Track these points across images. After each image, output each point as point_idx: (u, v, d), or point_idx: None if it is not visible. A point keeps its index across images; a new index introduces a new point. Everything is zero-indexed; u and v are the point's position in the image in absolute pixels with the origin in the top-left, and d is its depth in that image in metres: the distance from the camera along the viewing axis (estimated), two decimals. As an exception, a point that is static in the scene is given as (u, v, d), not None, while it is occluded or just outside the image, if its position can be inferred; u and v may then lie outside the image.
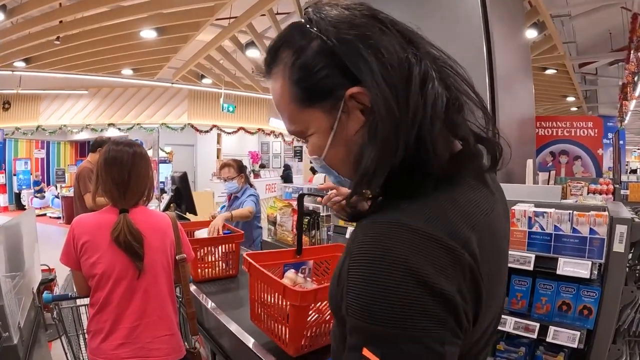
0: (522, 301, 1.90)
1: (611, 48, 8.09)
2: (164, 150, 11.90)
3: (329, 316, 1.47)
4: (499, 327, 1.38)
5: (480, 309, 0.63)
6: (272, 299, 1.48)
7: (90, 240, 1.67)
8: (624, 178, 5.66)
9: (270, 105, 15.10)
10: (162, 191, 6.20)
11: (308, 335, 1.45)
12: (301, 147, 18.19)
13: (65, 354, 2.11)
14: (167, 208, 4.51)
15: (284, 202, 3.26)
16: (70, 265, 1.73)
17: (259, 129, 14.96)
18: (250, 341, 1.63)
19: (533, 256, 1.81)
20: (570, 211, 1.75)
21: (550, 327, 1.80)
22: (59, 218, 11.92)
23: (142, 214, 1.79)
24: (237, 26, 7.01)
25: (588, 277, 1.70)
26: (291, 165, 16.71)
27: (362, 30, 0.65)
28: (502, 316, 1.45)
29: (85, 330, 1.96)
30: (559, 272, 1.75)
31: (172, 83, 11.25)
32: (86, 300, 1.83)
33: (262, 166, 15.82)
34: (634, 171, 11.46)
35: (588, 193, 3.89)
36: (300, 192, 3.72)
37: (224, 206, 3.98)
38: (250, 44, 7.98)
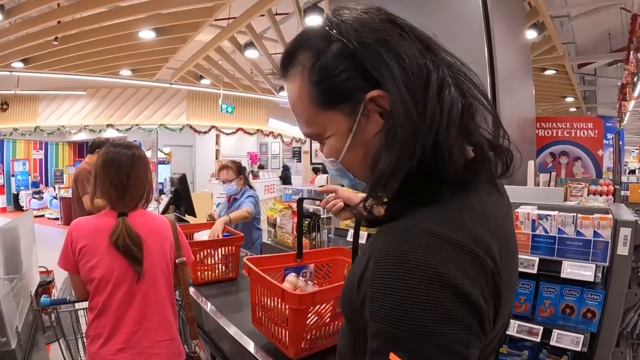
0: (525, 304, 1.88)
1: (610, 49, 8.09)
2: (162, 151, 11.88)
3: (329, 319, 1.47)
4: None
5: (499, 313, 0.64)
6: (272, 302, 1.48)
7: (88, 244, 1.65)
8: (623, 179, 5.66)
9: (269, 106, 15.10)
10: (161, 192, 6.17)
11: (308, 338, 1.45)
12: (299, 148, 18.19)
13: (64, 357, 2.09)
14: (166, 210, 4.49)
15: (283, 204, 3.24)
16: (68, 270, 1.71)
17: (257, 130, 14.95)
18: (250, 344, 1.62)
19: (537, 259, 1.80)
20: (574, 214, 1.74)
21: (553, 330, 1.79)
22: (57, 219, 11.91)
23: (141, 217, 1.77)
24: (236, 27, 6.99)
25: (592, 280, 1.69)
26: (290, 166, 16.70)
27: (382, 35, 0.66)
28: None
29: (83, 334, 1.94)
30: (563, 275, 1.73)
31: (171, 84, 11.22)
32: (85, 304, 1.81)
33: (261, 167, 15.80)
34: (632, 171, 11.47)
35: (588, 194, 3.88)
36: (300, 194, 3.71)
37: (219, 204, 3.96)
38: (249, 44, 7.96)
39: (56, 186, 13.84)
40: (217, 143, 15.04)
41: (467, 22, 2.95)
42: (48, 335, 2.26)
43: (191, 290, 2.17)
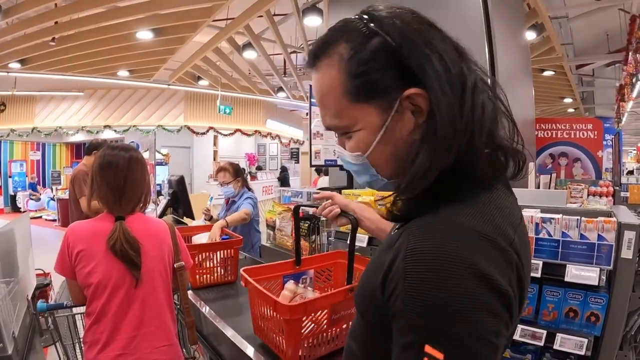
0: (528, 308, 1.86)
1: (608, 49, 8.11)
2: (160, 153, 11.86)
3: (326, 325, 1.46)
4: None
5: (520, 306, 0.67)
6: (269, 312, 1.49)
7: (85, 249, 1.62)
8: (622, 180, 5.66)
9: (267, 107, 15.09)
10: (159, 194, 6.15)
11: (306, 345, 1.45)
12: (298, 149, 18.18)
13: (61, 361, 2.06)
14: (164, 212, 4.47)
15: (283, 206, 3.21)
16: (65, 275, 1.68)
17: (255, 131, 14.94)
18: (249, 349, 1.60)
19: (541, 263, 1.78)
20: (578, 217, 1.72)
21: (557, 334, 1.77)
22: (54, 220, 11.85)
23: (139, 221, 1.74)
24: (235, 27, 6.97)
25: (597, 284, 1.67)
26: (288, 167, 16.70)
27: (425, 35, 0.69)
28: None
29: (81, 339, 1.91)
30: (567, 279, 1.72)
31: (169, 85, 11.19)
32: (82, 309, 1.78)
33: (259, 168, 15.79)
34: (630, 172, 11.50)
35: (588, 195, 3.88)
36: (299, 195, 3.68)
37: (212, 198, 3.94)
38: (248, 45, 7.94)
39: (53, 187, 13.79)
40: (215, 144, 15.02)
41: (467, 23, 2.94)
42: (45, 338, 2.24)
43: (190, 294, 2.15)
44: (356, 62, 0.69)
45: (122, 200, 1.71)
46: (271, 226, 3.29)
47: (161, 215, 4.45)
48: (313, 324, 1.46)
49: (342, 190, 2.47)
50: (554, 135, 5.42)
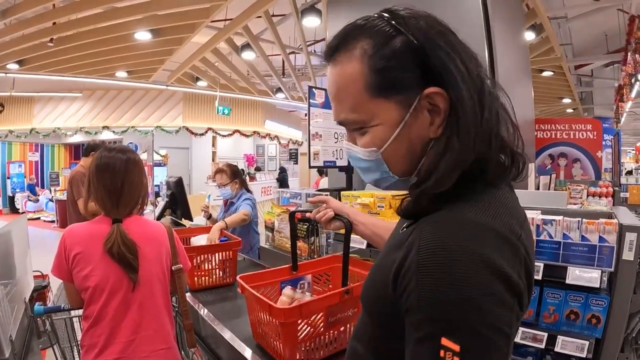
0: (529, 310, 1.85)
1: (607, 50, 8.11)
2: (158, 153, 11.83)
3: (323, 328, 1.46)
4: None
5: (528, 299, 0.69)
6: (265, 317, 1.49)
7: (82, 252, 1.60)
8: (622, 180, 5.65)
9: (266, 108, 15.08)
10: (157, 195, 6.13)
11: (303, 349, 1.45)
12: (296, 149, 18.17)
13: (58, 364, 2.05)
14: (162, 213, 4.46)
15: (281, 207, 3.20)
16: (62, 278, 1.66)
17: (254, 132, 14.93)
18: (248, 352, 1.59)
19: (542, 265, 1.77)
20: (579, 219, 1.71)
21: (558, 336, 1.76)
22: (53, 222, 11.82)
23: (136, 224, 1.72)
24: (233, 28, 6.95)
25: (598, 286, 1.66)
26: (287, 168, 16.69)
27: (447, 38, 0.72)
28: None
29: (78, 342, 1.90)
30: (568, 281, 1.71)
31: (167, 85, 11.17)
32: (80, 311, 1.76)
33: (258, 169, 15.76)
34: (629, 172, 11.53)
35: (588, 196, 3.87)
36: (298, 197, 3.67)
37: (210, 195, 3.93)
38: (246, 46, 7.93)
39: (52, 188, 13.76)
40: (213, 145, 15.01)
41: (467, 23, 2.93)
42: (44, 340, 2.22)
43: (188, 296, 2.13)
44: (379, 58, 0.70)
45: (119, 203, 1.70)
46: (270, 228, 3.27)
47: (159, 217, 4.44)
48: (309, 327, 1.45)
49: (342, 192, 2.45)
50: (553, 136, 5.41)
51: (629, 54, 6.07)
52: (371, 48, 0.71)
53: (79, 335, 1.84)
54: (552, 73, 8.86)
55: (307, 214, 1.56)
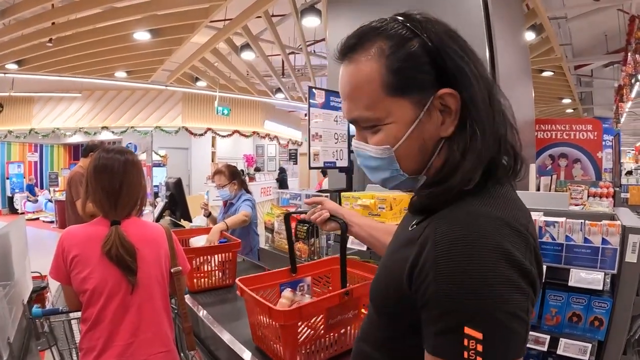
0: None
1: (607, 50, 8.11)
2: (158, 154, 11.83)
3: (323, 331, 1.45)
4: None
5: (540, 286, 0.72)
6: (265, 320, 1.49)
7: (80, 254, 1.59)
8: (623, 181, 5.65)
9: (265, 108, 15.07)
10: (156, 195, 6.11)
11: (303, 352, 1.44)
12: (296, 150, 18.16)
13: (57, 366, 2.03)
14: (161, 214, 4.44)
15: (281, 209, 3.18)
16: (60, 280, 1.65)
17: (253, 132, 14.91)
18: (247, 354, 1.58)
19: (544, 267, 1.75)
20: (582, 220, 1.69)
21: (561, 339, 1.75)
22: (52, 222, 11.81)
23: (135, 226, 1.71)
24: (232, 28, 6.93)
25: (601, 288, 1.65)
26: (286, 168, 16.66)
27: (458, 42, 0.75)
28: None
29: (77, 344, 1.88)
30: (571, 283, 1.69)
31: (166, 86, 11.15)
32: (79, 314, 1.75)
33: (257, 169, 15.74)
34: (629, 172, 11.52)
35: (589, 197, 3.86)
36: (298, 198, 3.66)
37: (209, 191, 3.91)
38: (246, 46, 7.92)
39: (51, 189, 13.76)
40: (213, 145, 14.99)
41: (467, 23, 2.92)
42: (42, 341, 2.21)
43: (187, 297, 2.12)
44: (396, 59, 0.73)
45: (117, 205, 1.68)
46: (270, 229, 3.26)
47: (158, 218, 4.42)
48: (310, 330, 1.44)
49: (342, 193, 2.44)
50: (553, 136, 5.40)
51: (629, 54, 6.06)
52: (388, 48, 0.74)
53: (78, 338, 1.83)
54: (552, 73, 8.86)
55: (303, 215, 1.55)
